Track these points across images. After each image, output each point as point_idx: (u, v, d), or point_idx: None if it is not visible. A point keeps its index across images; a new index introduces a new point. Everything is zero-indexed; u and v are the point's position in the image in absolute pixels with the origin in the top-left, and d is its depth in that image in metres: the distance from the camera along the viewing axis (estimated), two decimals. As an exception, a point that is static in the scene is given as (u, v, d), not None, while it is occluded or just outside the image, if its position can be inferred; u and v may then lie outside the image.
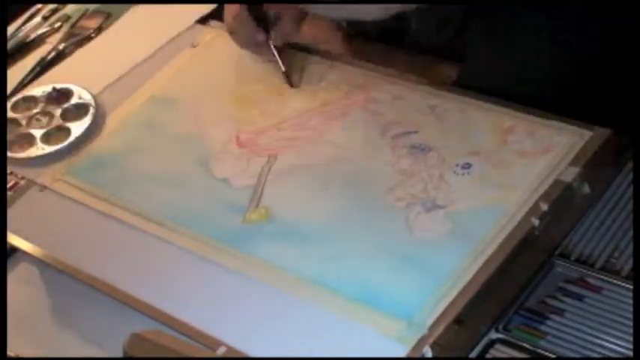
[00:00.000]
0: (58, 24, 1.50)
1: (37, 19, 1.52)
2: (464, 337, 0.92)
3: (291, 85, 1.20)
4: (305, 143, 1.12)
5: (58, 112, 1.26)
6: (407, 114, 1.11)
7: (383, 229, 0.99)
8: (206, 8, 1.36)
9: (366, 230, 1.00)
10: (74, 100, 1.26)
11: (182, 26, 1.34)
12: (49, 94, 1.29)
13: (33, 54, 1.45)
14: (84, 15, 1.50)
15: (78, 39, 1.45)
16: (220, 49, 1.29)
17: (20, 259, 1.14)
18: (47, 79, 1.36)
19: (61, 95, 1.28)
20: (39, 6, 1.54)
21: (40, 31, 1.49)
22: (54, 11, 1.53)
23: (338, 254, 0.98)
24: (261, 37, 1.20)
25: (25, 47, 1.47)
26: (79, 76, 1.31)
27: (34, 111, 1.27)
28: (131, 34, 1.40)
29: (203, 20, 1.35)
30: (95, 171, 1.16)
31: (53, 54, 1.43)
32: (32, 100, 1.28)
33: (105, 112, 1.24)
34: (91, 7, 1.51)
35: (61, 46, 1.44)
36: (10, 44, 1.47)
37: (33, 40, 1.48)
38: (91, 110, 1.24)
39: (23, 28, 1.50)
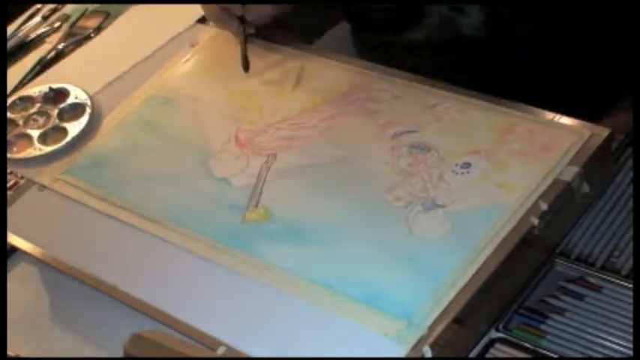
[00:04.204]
0: (58, 24, 1.50)
1: (37, 18, 1.52)
2: (464, 336, 0.91)
3: (245, 69, 1.21)
4: (304, 143, 1.12)
5: (54, 112, 1.25)
6: (406, 113, 1.11)
7: (382, 229, 0.99)
8: (205, 8, 1.36)
9: (366, 230, 1.00)
10: (70, 100, 1.26)
11: (181, 26, 1.34)
12: (46, 94, 1.28)
13: (33, 53, 1.45)
14: (83, 15, 1.50)
15: (77, 38, 1.45)
16: (219, 48, 1.29)
17: (20, 259, 1.14)
18: (46, 78, 1.36)
19: (57, 95, 1.27)
20: (38, 6, 1.55)
21: (39, 31, 1.49)
22: (53, 11, 1.53)
23: (337, 254, 0.98)
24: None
25: (25, 47, 1.47)
26: (78, 75, 1.31)
27: (31, 111, 1.26)
28: (130, 34, 1.40)
29: (202, 20, 1.34)
30: (95, 170, 1.16)
31: (53, 53, 1.43)
32: (29, 100, 1.28)
33: (103, 112, 1.24)
34: (91, 6, 1.51)
35: (60, 46, 1.44)
36: (10, 44, 1.47)
37: (32, 40, 1.48)
38: (88, 110, 1.23)
39: (23, 27, 1.51)
